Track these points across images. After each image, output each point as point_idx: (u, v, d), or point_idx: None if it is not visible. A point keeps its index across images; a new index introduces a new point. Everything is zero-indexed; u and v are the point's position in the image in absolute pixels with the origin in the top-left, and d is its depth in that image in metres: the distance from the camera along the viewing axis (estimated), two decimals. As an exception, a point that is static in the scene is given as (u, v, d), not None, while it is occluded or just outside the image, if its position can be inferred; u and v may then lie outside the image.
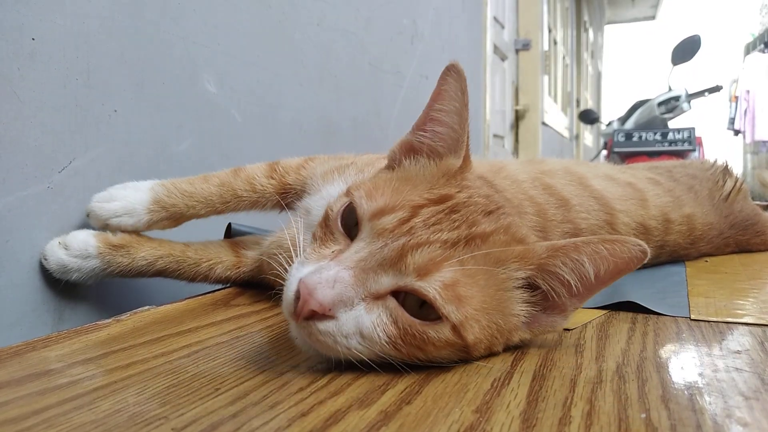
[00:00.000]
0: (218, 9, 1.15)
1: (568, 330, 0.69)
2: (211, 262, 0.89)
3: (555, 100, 5.86)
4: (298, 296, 0.51)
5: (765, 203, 1.54)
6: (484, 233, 0.56)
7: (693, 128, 4.25)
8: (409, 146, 0.65)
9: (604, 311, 0.78)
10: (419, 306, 0.52)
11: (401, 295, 0.53)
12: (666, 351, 0.61)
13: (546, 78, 4.91)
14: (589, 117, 5.82)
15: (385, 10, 1.90)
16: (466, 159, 0.62)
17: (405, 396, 0.49)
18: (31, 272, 0.82)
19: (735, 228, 1.20)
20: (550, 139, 5.16)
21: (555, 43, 5.79)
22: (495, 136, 3.70)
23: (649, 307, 0.77)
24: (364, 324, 0.52)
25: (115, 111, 0.93)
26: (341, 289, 0.51)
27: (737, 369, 0.55)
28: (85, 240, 0.82)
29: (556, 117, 5.72)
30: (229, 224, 1.06)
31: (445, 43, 2.53)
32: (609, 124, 5.58)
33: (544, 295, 0.59)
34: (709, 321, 0.72)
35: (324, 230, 0.60)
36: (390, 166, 0.67)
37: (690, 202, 1.12)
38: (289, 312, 0.53)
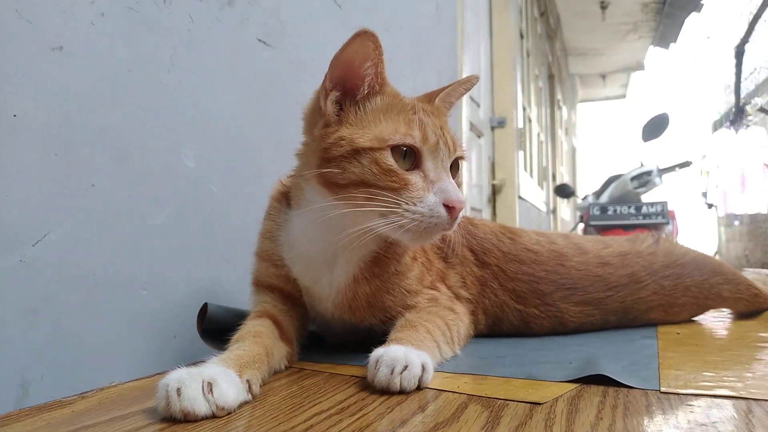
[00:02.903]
0: (199, 87, 1.18)
1: (539, 404, 0.69)
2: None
3: (531, 175, 5.99)
4: (449, 213, 0.83)
5: None
6: (437, 111, 0.95)
7: (665, 202, 4.35)
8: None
9: (576, 384, 0.78)
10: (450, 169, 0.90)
11: None
12: (634, 425, 0.61)
13: (521, 154, 5.04)
14: (565, 191, 5.94)
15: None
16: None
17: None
18: (-3, 347, 0.80)
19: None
20: (527, 212, 5.24)
21: (529, 120, 5.98)
22: (473, 209, 3.75)
23: (619, 380, 0.77)
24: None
25: (93, 185, 0.94)
26: (456, 187, 0.86)
27: (704, 442, 0.55)
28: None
29: (533, 191, 5.84)
30: (205, 304, 1.06)
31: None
32: (584, 198, 5.70)
33: None
34: (678, 393, 0.72)
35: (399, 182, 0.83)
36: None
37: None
38: (447, 225, 0.84)
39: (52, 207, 0.88)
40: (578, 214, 5.66)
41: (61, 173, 0.89)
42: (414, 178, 0.83)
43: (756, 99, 6.56)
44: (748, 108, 6.30)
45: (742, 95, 6.67)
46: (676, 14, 7.58)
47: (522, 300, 1.15)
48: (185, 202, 1.15)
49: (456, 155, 0.90)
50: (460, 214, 0.85)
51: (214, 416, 0.63)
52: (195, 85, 1.18)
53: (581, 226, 5.21)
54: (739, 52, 6.27)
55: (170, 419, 0.61)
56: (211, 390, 0.63)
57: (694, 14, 7.49)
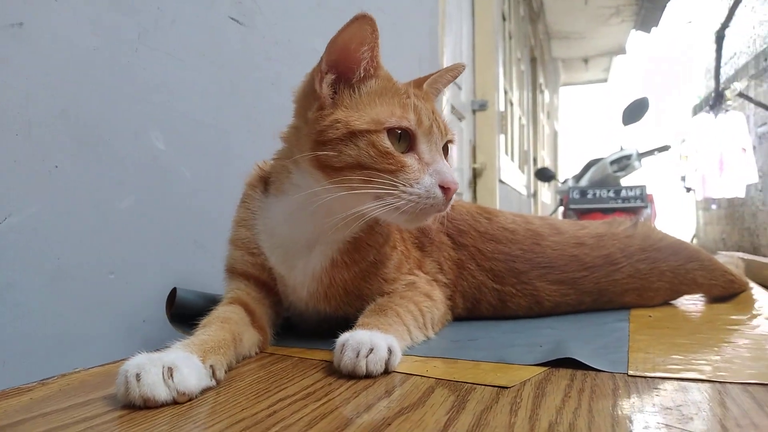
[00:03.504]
0: (169, 68, 1.16)
1: (507, 388, 0.68)
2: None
3: (512, 159, 6.00)
4: (444, 194, 0.84)
5: None
6: (426, 95, 0.95)
7: (644, 186, 4.39)
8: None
9: (545, 368, 0.78)
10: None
11: None
12: (600, 408, 0.61)
13: (502, 137, 5.04)
14: (545, 175, 5.97)
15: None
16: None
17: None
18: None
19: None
20: (507, 196, 5.26)
21: (511, 104, 5.98)
22: (453, 192, 3.75)
23: (587, 363, 0.77)
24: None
25: (56, 167, 0.92)
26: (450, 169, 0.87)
27: (667, 425, 0.55)
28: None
29: (514, 175, 5.85)
30: (174, 289, 1.04)
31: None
32: (564, 181, 5.73)
33: None
34: (645, 377, 0.73)
35: (396, 166, 0.84)
36: None
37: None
38: (442, 206, 0.85)
39: (13, 189, 0.85)
40: (558, 197, 5.69)
41: (22, 154, 0.87)
42: (410, 160, 0.85)
43: (735, 84, 6.61)
44: (727, 93, 6.35)
45: (722, 80, 6.72)
46: (657, -2, 7.60)
47: (499, 279, 1.16)
48: (155, 185, 1.13)
49: (447, 138, 0.92)
50: (453, 195, 0.86)
51: (175, 402, 0.61)
52: (164, 65, 1.15)
53: (561, 209, 5.24)
54: (720, 37, 6.30)
55: (130, 405, 0.60)
56: (171, 375, 0.61)
57: (675, -2, 7.51)
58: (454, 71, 1.04)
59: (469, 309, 1.17)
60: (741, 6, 5.96)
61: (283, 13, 1.55)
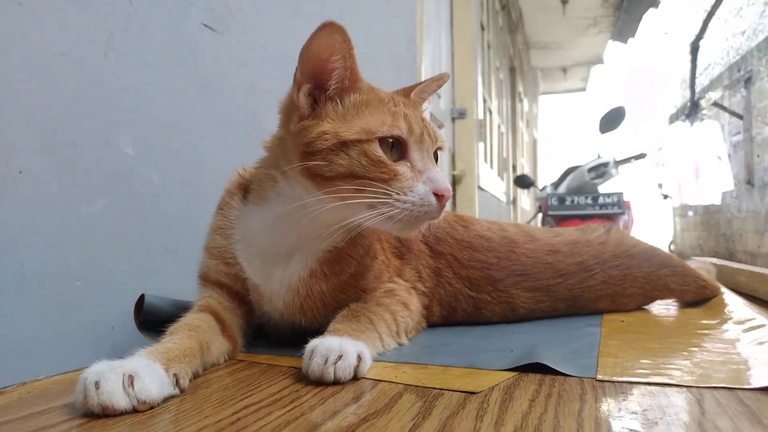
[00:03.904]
0: (139, 73, 1.14)
1: (474, 393, 0.68)
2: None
3: (491, 166, 6.03)
4: (438, 201, 0.84)
5: None
6: (413, 104, 0.96)
7: (621, 193, 4.43)
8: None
9: (514, 373, 0.78)
10: None
11: None
12: (566, 413, 0.61)
13: (481, 145, 5.06)
14: (524, 182, 6.00)
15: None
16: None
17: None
18: None
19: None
20: (486, 202, 5.28)
21: (490, 112, 6.01)
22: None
23: (557, 369, 0.77)
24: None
25: (20, 172, 0.90)
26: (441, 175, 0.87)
27: (631, 430, 0.55)
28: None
29: (493, 182, 5.88)
30: (142, 295, 1.03)
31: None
32: (543, 188, 5.77)
33: None
34: (613, 381, 0.73)
35: (386, 173, 0.83)
36: None
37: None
38: (436, 214, 0.85)
39: (-25, 195, 0.83)
40: (537, 204, 5.73)
41: (-16, 159, 0.85)
42: (402, 168, 0.85)
43: (710, 94, 6.73)
44: (702, 102, 6.46)
45: (697, 90, 6.83)
46: (634, 10, 7.71)
47: (475, 287, 1.16)
48: (124, 190, 1.11)
49: (437, 146, 0.92)
50: (445, 202, 0.87)
51: (135, 411, 0.60)
52: (134, 70, 1.13)
53: (540, 216, 5.27)
54: (694, 48, 6.41)
55: (89, 414, 0.59)
56: (132, 383, 0.60)
57: (651, 10, 7.63)
58: (440, 81, 1.04)
59: (445, 317, 1.17)
60: (714, 19, 6.07)
61: (257, 20, 1.54)
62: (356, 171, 0.82)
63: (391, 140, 0.85)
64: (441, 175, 0.87)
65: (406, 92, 0.98)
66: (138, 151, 1.14)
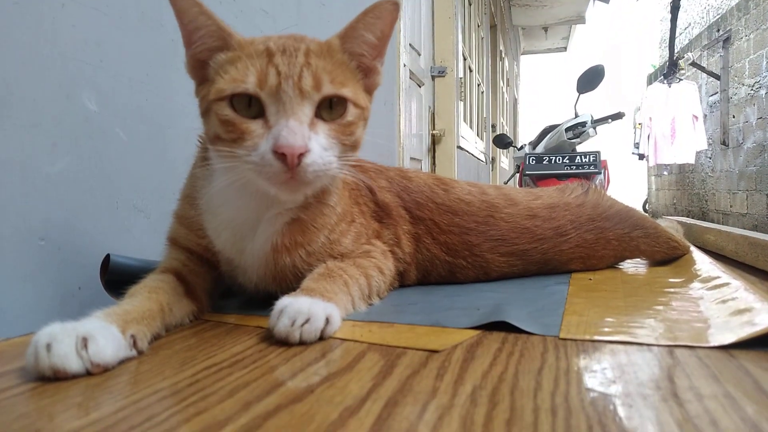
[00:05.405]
0: (102, 26, 1.10)
1: (437, 352, 0.68)
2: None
3: (471, 126, 6.01)
4: (281, 160, 0.75)
5: None
6: (319, 49, 0.83)
7: (598, 152, 4.45)
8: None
9: (477, 331, 0.78)
10: (331, 112, 0.82)
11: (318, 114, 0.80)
12: (525, 371, 0.61)
13: (461, 104, 5.03)
14: (503, 141, 6.00)
15: (294, 29, 1.89)
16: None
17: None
18: None
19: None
20: (466, 162, 5.27)
21: (470, 70, 5.95)
22: (413, 158, 3.74)
23: (520, 327, 0.78)
24: (321, 140, 0.79)
25: (-26, 129, 0.87)
26: (298, 130, 0.76)
27: (589, 389, 0.55)
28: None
29: (472, 141, 5.86)
30: (108, 255, 1.01)
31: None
32: (521, 148, 5.77)
33: (362, 67, 0.89)
34: (576, 340, 0.73)
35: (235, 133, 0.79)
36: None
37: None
38: (283, 176, 0.76)
39: (-74, 152, 0.80)
40: (515, 163, 5.74)
41: (-65, 115, 0.81)
42: (253, 126, 0.78)
43: (689, 54, 6.73)
44: (681, 62, 6.46)
45: (677, 50, 6.82)
46: (616, -34, 7.61)
47: (452, 252, 1.16)
48: (88, 148, 1.08)
49: (322, 94, 0.80)
50: (309, 160, 0.76)
51: (89, 374, 0.59)
52: (97, 23, 1.09)
53: (517, 176, 5.29)
54: (674, 8, 6.38)
55: (40, 377, 0.58)
56: (86, 346, 0.59)
57: (634, -33, 7.54)
58: (375, 12, 0.86)
59: (420, 279, 1.17)
60: (696, -25, 6.03)
61: (226, -30, 1.49)
62: (217, 133, 0.80)
63: (249, 97, 0.79)
64: (292, 128, 0.76)
65: (329, 41, 0.87)
66: (102, 108, 1.10)
